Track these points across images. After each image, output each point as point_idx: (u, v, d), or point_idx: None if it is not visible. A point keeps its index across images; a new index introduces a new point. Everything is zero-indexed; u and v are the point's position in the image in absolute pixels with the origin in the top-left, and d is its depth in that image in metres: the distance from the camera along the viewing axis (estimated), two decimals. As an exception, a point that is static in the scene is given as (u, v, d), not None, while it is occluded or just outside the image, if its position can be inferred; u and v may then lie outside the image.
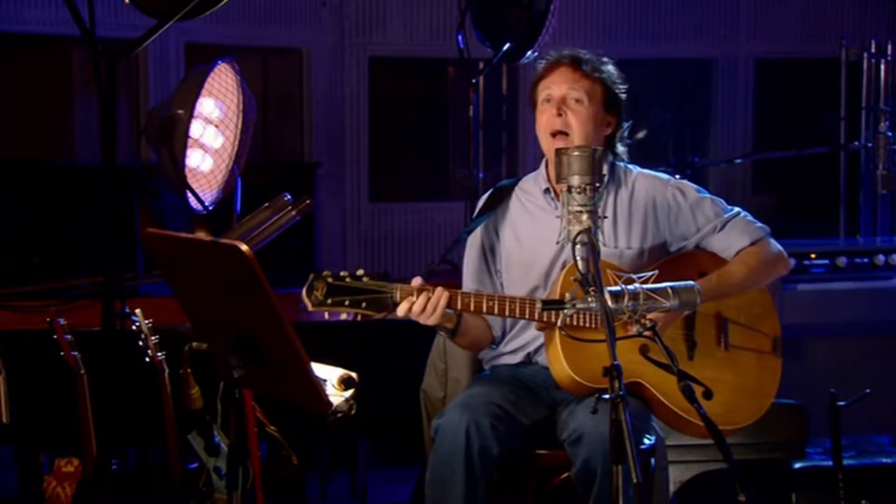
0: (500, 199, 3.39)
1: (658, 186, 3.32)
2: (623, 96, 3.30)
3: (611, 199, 3.28)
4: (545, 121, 3.24)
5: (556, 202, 3.25)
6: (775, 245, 3.30)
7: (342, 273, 2.87)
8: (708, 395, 3.05)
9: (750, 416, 3.18)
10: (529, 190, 3.38)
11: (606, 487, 2.88)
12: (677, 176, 5.01)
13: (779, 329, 3.26)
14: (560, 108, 3.21)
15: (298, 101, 7.68)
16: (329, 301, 2.85)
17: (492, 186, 3.47)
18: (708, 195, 3.32)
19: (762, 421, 3.25)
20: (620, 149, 3.35)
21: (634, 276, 2.70)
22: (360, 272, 2.89)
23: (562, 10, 5.32)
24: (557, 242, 2.70)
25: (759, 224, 3.31)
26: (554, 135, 3.22)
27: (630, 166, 3.36)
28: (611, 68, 3.29)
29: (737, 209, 3.32)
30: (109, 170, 3.73)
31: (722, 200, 3.33)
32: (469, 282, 3.38)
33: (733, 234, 3.26)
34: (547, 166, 3.32)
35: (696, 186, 3.35)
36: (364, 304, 2.88)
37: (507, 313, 3.03)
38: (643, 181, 3.32)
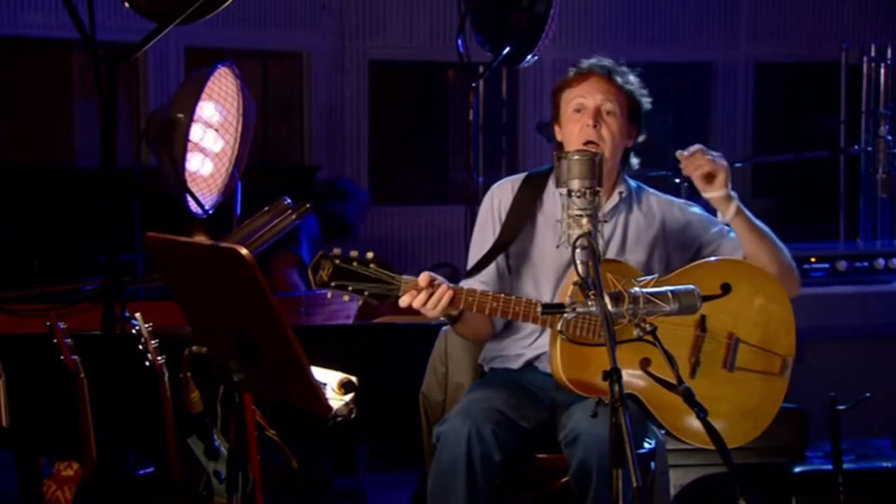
0: (540, 187, 3.35)
1: (667, 205, 3.35)
2: (647, 108, 3.31)
3: (622, 218, 3.29)
4: (579, 130, 3.22)
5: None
6: None
7: (352, 254, 2.87)
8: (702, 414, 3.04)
9: (743, 438, 3.15)
10: None
11: (604, 490, 2.88)
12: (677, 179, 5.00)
13: (793, 349, 3.20)
14: (596, 118, 3.21)
15: (298, 105, 7.67)
16: (333, 284, 2.85)
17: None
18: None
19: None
20: (634, 161, 3.36)
21: (633, 280, 2.70)
22: (370, 255, 2.88)
23: (562, 13, 5.31)
24: (557, 246, 2.69)
25: None
26: (586, 144, 3.20)
27: (641, 185, 3.38)
28: (637, 79, 3.31)
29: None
30: (109, 173, 3.73)
31: None
32: (476, 253, 3.32)
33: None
34: None
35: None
36: (367, 293, 2.88)
37: (509, 316, 3.01)
38: (656, 202, 3.34)
